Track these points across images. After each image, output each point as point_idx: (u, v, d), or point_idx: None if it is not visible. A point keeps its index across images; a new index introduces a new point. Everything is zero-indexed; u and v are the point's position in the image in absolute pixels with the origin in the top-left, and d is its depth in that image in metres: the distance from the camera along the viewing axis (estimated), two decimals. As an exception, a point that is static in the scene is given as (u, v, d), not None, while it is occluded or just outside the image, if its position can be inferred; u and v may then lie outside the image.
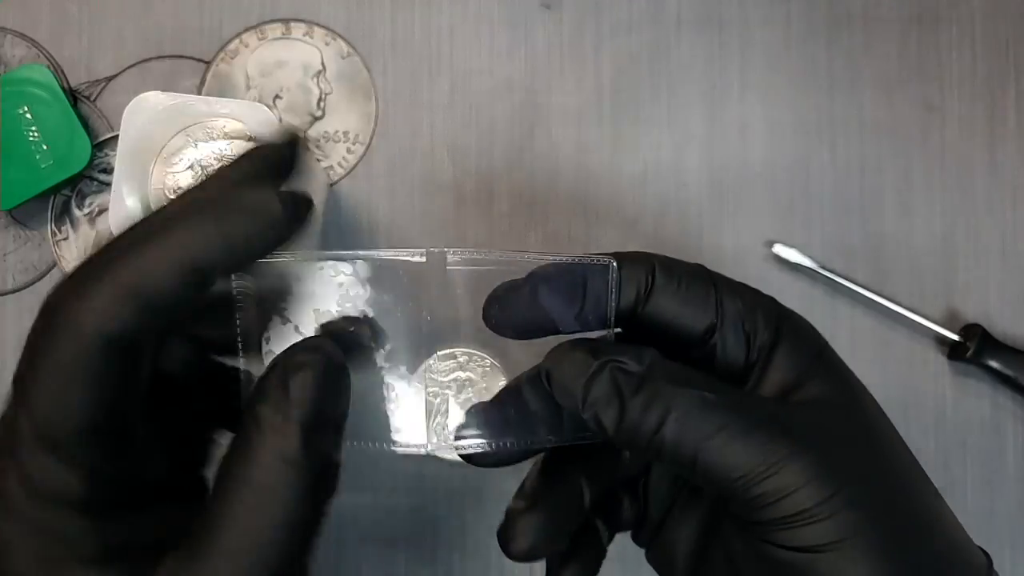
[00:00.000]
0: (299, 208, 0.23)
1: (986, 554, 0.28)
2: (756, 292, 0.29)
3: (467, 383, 0.30)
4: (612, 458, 0.29)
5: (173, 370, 0.24)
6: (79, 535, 0.20)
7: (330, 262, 0.26)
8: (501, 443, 0.27)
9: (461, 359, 0.31)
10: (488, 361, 0.31)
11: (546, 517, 0.27)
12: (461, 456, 0.27)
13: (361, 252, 0.26)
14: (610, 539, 0.33)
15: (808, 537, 0.23)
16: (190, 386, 0.24)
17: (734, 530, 0.26)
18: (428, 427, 0.28)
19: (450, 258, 0.26)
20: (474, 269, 0.26)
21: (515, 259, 0.27)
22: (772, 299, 0.29)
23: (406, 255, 0.26)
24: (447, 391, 0.29)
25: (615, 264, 0.27)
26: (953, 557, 0.27)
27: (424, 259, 0.26)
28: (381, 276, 0.27)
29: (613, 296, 0.28)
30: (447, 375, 0.30)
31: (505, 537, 0.27)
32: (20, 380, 0.20)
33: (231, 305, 0.24)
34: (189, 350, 0.24)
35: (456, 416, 0.28)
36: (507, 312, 0.26)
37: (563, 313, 0.27)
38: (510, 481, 0.30)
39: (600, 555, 0.32)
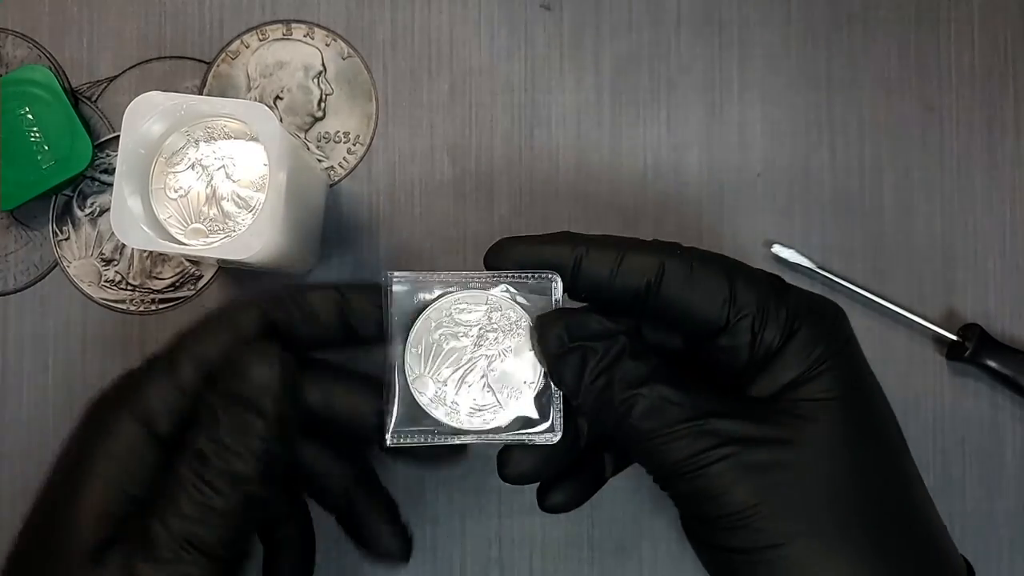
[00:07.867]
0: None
1: (969, 565, 0.28)
2: (773, 283, 0.29)
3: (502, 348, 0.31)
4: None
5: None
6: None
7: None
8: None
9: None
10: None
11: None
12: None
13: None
14: (615, 471, 0.33)
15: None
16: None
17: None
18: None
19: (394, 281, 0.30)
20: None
21: (462, 279, 0.30)
22: (795, 290, 0.29)
23: None
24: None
25: (557, 279, 0.30)
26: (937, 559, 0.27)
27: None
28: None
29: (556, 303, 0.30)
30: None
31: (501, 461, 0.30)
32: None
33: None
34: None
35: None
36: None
37: None
38: (510, 482, 0.31)
39: (599, 481, 0.32)
